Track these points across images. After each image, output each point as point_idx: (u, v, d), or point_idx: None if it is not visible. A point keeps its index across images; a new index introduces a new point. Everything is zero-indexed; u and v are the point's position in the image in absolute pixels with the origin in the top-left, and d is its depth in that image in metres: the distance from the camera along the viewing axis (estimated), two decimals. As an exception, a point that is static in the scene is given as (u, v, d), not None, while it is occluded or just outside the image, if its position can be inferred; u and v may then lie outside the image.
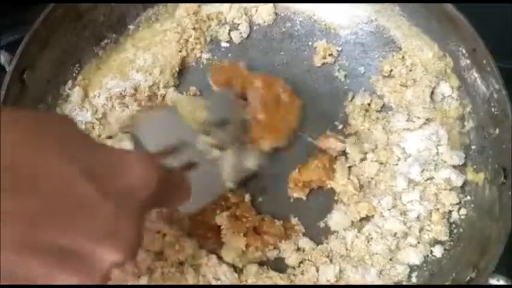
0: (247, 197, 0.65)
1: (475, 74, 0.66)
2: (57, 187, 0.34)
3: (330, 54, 0.73)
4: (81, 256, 0.35)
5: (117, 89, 0.68)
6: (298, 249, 0.64)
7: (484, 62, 0.63)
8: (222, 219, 0.63)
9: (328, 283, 0.62)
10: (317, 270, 0.62)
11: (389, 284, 0.62)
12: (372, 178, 0.66)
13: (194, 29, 0.72)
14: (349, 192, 0.65)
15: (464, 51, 0.66)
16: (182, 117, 0.62)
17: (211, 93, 0.68)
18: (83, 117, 0.67)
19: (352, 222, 0.65)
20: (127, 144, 0.65)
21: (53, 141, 0.36)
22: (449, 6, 0.65)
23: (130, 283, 0.60)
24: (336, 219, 0.65)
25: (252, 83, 0.66)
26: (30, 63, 0.62)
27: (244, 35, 0.74)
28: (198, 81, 0.71)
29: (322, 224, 0.66)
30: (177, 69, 0.70)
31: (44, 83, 0.66)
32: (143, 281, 0.59)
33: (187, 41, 0.71)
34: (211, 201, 0.63)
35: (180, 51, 0.71)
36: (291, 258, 0.63)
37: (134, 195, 0.38)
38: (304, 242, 0.64)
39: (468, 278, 0.58)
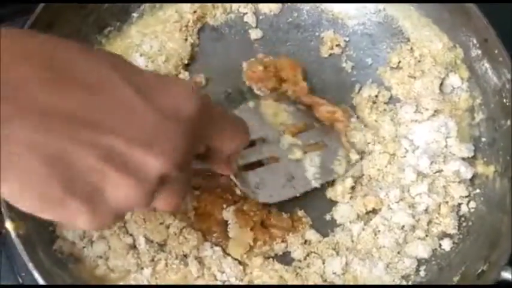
0: (253, 190, 0.64)
1: (486, 65, 0.65)
2: (106, 91, 0.35)
3: (337, 45, 0.71)
4: (130, 160, 0.36)
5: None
6: (305, 242, 0.63)
7: (496, 52, 0.62)
8: (228, 214, 0.62)
9: (334, 275, 0.61)
10: (323, 263, 0.61)
11: (397, 277, 0.61)
12: (379, 170, 0.65)
13: (194, 12, 0.70)
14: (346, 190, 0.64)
15: (475, 41, 0.65)
16: (264, 117, 0.63)
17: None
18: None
19: (359, 215, 0.64)
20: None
21: (103, 56, 0.38)
22: (461, -5, 0.64)
23: (132, 275, 0.59)
24: (342, 212, 0.64)
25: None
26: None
27: (253, 25, 0.73)
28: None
29: (328, 217, 0.65)
30: (186, 61, 0.69)
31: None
32: (146, 272, 0.58)
33: (187, 26, 0.70)
34: (292, 196, 0.63)
35: (186, 39, 0.69)
36: (297, 252, 0.62)
37: (178, 113, 0.38)
38: (311, 234, 0.63)
39: (480, 270, 0.57)
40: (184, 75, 0.69)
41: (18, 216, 0.54)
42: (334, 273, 0.61)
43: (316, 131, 0.65)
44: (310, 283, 0.60)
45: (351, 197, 0.64)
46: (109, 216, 0.37)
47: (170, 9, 0.71)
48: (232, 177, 0.60)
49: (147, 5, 0.71)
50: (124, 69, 0.37)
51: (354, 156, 0.65)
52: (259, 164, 0.62)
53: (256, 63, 0.68)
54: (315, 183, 0.63)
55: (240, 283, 0.60)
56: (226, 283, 0.59)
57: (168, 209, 0.42)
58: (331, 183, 0.65)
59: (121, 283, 0.58)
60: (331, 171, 0.64)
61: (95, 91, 0.35)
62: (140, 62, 0.67)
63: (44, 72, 0.34)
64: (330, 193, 0.65)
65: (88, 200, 0.36)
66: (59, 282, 0.55)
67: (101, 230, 0.45)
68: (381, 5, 0.72)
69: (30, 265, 0.52)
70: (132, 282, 0.58)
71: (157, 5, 0.71)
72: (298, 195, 0.63)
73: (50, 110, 0.33)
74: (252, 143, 0.61)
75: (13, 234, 0.53)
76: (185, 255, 0.60)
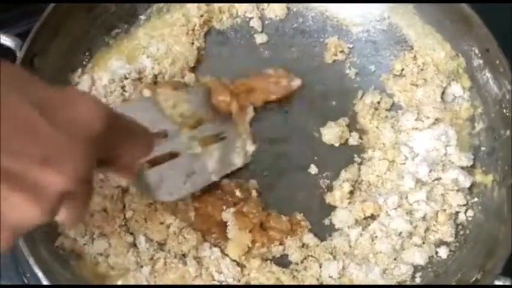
0: (253, 193, 0.65)
1: (488, 75, 0.65)
2: (6, 113, 0.35)
3: (341, 51, 0.72)
4: (29, 179, 0.36)
5: (122, 71, 0.68)
6: (303, 245, 0.63)
7: (497, 62, 0.63)
8: (228, 215, 0.63)
9: (330, 279, 0.61)
10: (320, 267, 0.62)
11: (393, 283, 0.61)
12: (378, 176, 0.66)
13: (201, 16, 0.71)
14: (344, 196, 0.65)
15: (477, 51, 0.66)
16: (163, 109, 0.61)
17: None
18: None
19: (357, 220, 0.64)
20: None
21: (3, 75, 0.36)
22: (464, 6, 0.64)
23: (132, 273, 0.60)
24: (340, 216, 0.65)
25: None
26: (41, 50, 0.63)
27: (258, 29, 0.74)
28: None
29: (327, 221, 0.65)
30: (192, 64, 0.70)
31: (54, 70, 0.66)
32: (145, 270, 0.59)
33: (193, 30, 0.71)
34: (193, 192, 0.62)
35: (193, 43, 0.71)
36: (295, 255, 0.62)
37: (81, 127, 0.38)
38: (309, 238, 0.63)
39: (474, 279, 0.58)
40: (189, 76, 0.70)
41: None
42: (330, 276, 0.61)
43: (214, 122, 0.64)
44: (306, 286, 0.61)
45: (350, 202, 0.65)
46: (9, 235, 0.37)
47: (177, 12, 0.72)
48: (129, 180, 0.59)
49: (154, 8, 0.72)
50: (25, 88, 0.37)
51: (251, 147, 0.66)
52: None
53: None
54: (215, 177, 0.63)
55: (238, 284, 0.60)
56: (223, 283, 0.60)
57: (70, 221, 0.42)
58: (330, 187, 0.66)
59: (120, 281, 0.59)
60: (230, 164, 0.65)
61: None
62: (147, 63, 0.69)
63: None
64: (328, 198, 0.66)
65: None
66: (60, 278, 0.56)
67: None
68: (385, 13, 0.73)
69: (31, 260, 0.53)
70: (132, 280, 0.59)
71: (165, 8, 0.72)
72: (198, 191, 0.63)
73: None
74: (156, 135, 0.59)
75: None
76: (184, 255, 0.61)
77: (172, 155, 0.60)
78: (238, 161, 0.65)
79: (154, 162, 0.58)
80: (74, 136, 0.37)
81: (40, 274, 0.53)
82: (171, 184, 0.59)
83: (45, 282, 0.53)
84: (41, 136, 0.36)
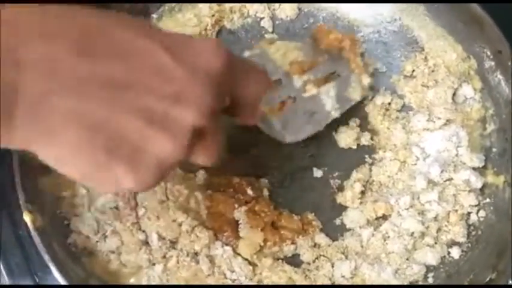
0: (265, 192, 0.65)
1: (500, 76, 0.66)
2: (138, 55, 0.38)
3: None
4: (164, 115, 0.38)
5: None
6: (315, 245, 0.63)
7: (509, 63, 0.63)
8: (240, 214, 0.63)
9: (343, 279, 0.61)
10: (332, 266, 0.62)
11: (405, 282, 0.61)
12: (390, 177, 0.66)
13: (213, 16, 0.72)
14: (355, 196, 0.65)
15: (489, 53, 0.66)
16: (274, 60, 0.61)
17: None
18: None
19: (368, 220, 0.64)
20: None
21: (124, 20, 0.40)
22: (477, 8, 0.64)
23: (144, 271, 0.59)
24: (352, 217, 0.65)
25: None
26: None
27: (269, 30, 0.74)
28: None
29: (338, 221, 0.65)
30: None
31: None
32: (158, 268, 0.59)
33: (206, 30, 0.71)
34: (316, 131, 0.63)
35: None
36: (307, 254, 0.62)
37: (204, 65, 0.40)
38: (321, 238, 0.63)
39: (488, 279, 0.58)
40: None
41: (36, 209, 0.55)
42: (342, 276, 0.61)
43: (325, 63, 0.64)
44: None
45: (361, 202, 0.65)
46: (152, 175, 0.39)
47: (189, 12, 0.72)
48: (259, 124, 0.60)
49: (166, 7, 0.72)
50: (153, 32, 0.40)
51: (366, 80, 0.66)
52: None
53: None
54: (335, 114, 0.64)
55: (250, 283, 0.60)
56: (236, 282, 0.60)
57: (207, 161, 0.44)
58: (341, 188, 0.66)
59: (133, 278, 0.59)
60: (348, 99, 0.65)
61: (128, 56, 0.37)
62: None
63: (77, 44, 0.36)
64: (339, 198, 0.66)
65: (131, 161, 0.38)
66: (72, 275, 0.56)
67: (146, 190, 0.48)
68: (396, 14, 0.73)
69: (47, 257, 0.53)
70: (144, 278, 0.59)
71: (177, 7, 0.72)
72: (322, 129, 0.64)
73: (86, 79, 0.36)
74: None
75: (31, 226, 0.54)
76: (196, 253, 0.61)
77: (290, 100, 0.61)
78: (355, 95, 0.65)
79: (280, 108, 0.60)
80: (198, 73, 0.40)
81: (54, 270, 0.53)
82: (295, 126, 0.61)
83: (59, 278, 0.53)
84: (169, 74, 0.38)
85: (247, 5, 0.74)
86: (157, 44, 0.39)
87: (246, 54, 0.62)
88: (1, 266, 0.61)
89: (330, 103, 0.63)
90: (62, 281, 0.53)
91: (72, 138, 0.36)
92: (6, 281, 0.61)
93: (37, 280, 0.61)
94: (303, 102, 0.61)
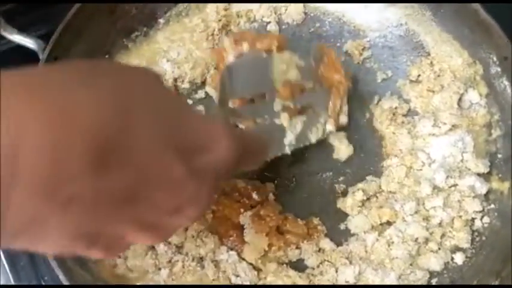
0: (270, 196, 0.65)
1: (505, 82, 0.66)
2: (146, 163, 0.32)
3: (360, 54, 0.72)
4: (154, 224, 0.37)
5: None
6: (319, 250, 0.64)
7: (516, 70, 0.63)
8: (245, 218, 0.63)
9: (346, 284, 0.62)
10: (336, 271, 0.62)
11: (409, 288, 0.62)
12: (398, 183, 0.66)
13: (219, 20, 0.72)
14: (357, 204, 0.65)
15: (495, 58, 0.66)
16: (272, 71, 0.61)
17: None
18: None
19: (373, 225, 0.65)
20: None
21: (140, 110, 0.33)
22: (483, 13, 0.64)
23: (150, 276, 0.60)
24: (356, 222, 0.65)
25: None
26: (63, 52, 0.63)
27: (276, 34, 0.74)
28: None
29: (342, 226, 0.66)
30: (213, 69, 0.70)
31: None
32: (164, 273, 0.60)
33: (213, 35, 0.72)
34: (266, 158, 0.61)
35: (213, 48, 0.71)
36: (311, 259, 0.63)
37: (218, 169, 0.38)
38: (325, 243, 0.64)
39: (492, 285, 0.58)
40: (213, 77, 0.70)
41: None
42: (346, 281, 0.62)
43: (312, 93, 0.64)
44: (323, 290, 0.61)
45: (365, 208, 0.65)
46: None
47: (196, 17, 0.72)
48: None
49: (173, 12, 0.73)
50: (165, 124, 0.34)
51: (329, 127, 0.65)
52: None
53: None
54: (288, 150, 0.63)
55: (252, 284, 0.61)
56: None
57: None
58: (345, 193, 0.66)
59: (139, 283, 0.60)
60: (305, 138, 0.64)
61: (136, 166, 0.32)
62: (167, 67, 0.69)
63: (89, 159, 0.29)
64: (340, 203, 0.66)
65: (107, 249, 0.36)
66: (80, 280, 0.57)
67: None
68: (402, 19, 0.73)
69: (54, 263, 0.53)
70: (150, 283, 0.60)
71: (183, 12, 0.73)
72: (268, 159, 0.63)
73: (91, 197, 0.31)
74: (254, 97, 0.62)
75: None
76: (201, 258, 0.62)
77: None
78: (313, 137, 0.64)
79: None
80: (206, 180, 0.37)
81: (61, 276, 0.54)
82: None
83: (65, 283, 0.54)
84: (178, 186, 0.35)
85: (254, 9, 0.74)
86: (172, 152, 0.34)
87: (249, 52, 0.62)
88: (8, 269, 0.62)
89: (289, 137, 0.63)
90: (62, 278, 0.54)
91: (59, 243, 0.33)
92: (12, 283, 0.62)
93: (43, 284, 0.63)
94: (267, 127, 0.61)
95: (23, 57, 0.66)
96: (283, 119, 0.61)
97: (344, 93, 0.65)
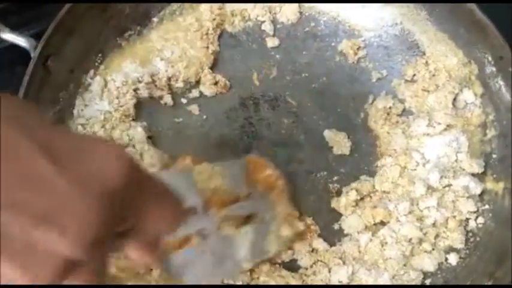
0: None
1: (500, 82, 0.65)
2: (14, 162, 0.29)
3: (355, 54, 0.72)
4: (30, 242, 0.29)
5: (135, 74, 0.68)
6: (312, 250, 0.63)
7: (510, 69, 0.62)
8: None
9: (340, 284, 0.61)
10: (329, 271, 0.62)
11: (402, 289, 0.62)
12: (392, 182, 0.66)
13: (214, 19, 0.72)
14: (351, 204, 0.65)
15: (490, 58, 0.66)
16: (195, 182, 0.54)
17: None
18: (101, 106, 0.67)
19: (366, 226, 0.64)
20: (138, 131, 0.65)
21: (10, 118, 0.30)
22: (478, 13, 0.64)
23: (141, 276, 0.60)
24: (350, 222, 0.64)
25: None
26: (55, 51, 0.63)
27: (270, 33, 0.74)
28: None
29: (336, 226, 0.65)
30: (207, 68, 0.70)
31: (67, 71, 0.66)
32: (155, 274, 0.59)
33: (207, 34, 0.71)
34: (223, 278, 0.59)
35: (208, 47, 0.71)
36: (304, 260, 0.62)
37: (96, 181, 0.31)
38: (318, 243, 0.63)
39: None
40: (207, 78, 0.70)
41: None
42: (340, 281, 0.61)
43: (249, 200, 0.58)
44: (316, 291, 0.61)
45: (359, 208, 0.65)
46: None
47: (190, 16, 0.72)
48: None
49: (167, 11, 0.72)
50: (39, 133, 0.31)
51: (286, 232, 0.60)
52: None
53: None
54: (246, 265, 0.58)
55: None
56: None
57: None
58: (339, 192, 0.66)
59: (130, 283, 0.59)
60: (263, 251, 0.59)
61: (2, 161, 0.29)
62: (160, 66, 0.69)
63: None
64: (334, 203, 0.66)
65: None
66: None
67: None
68: (398, 19, 0.73)
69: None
70: (141, 283, 0.59)
71: (177, 11, 0.72)
72: (229, 278, 0.59)
73: None
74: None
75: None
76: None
77: (201, 236, 0.53)
78: (272, 247, 0.59)
79: (181, 244, 0.53)
80: (85, 191, 0.30)
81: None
82: (198, 269, 0.53)
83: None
84: (47, 188, 0.29)
85: (249, 8, 0.74)
86: (37, 146, 0.30)
87: (167, 171, 0.57)
88: None
89: (243, 251, 0.56)
90: None
91: None
92: None
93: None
94: (214, 243, 0.54)
95: (15, 57, 0.66)
96: (225, 229, 0.55)
97: (285, 195, 0.61)
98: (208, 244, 0.53)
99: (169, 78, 0.69)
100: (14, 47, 0.63)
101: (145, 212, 0.36)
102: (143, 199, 0.35)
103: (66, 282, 0.32)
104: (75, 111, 0.66)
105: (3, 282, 0.30)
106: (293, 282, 0.61)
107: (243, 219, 0.57)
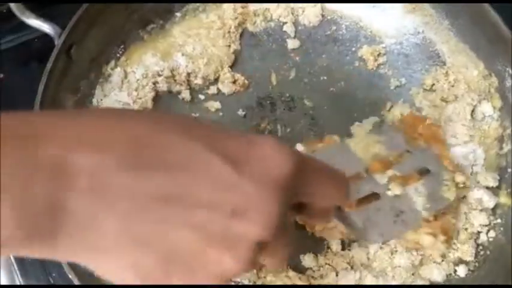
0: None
1: (520, 96, 0.65)
2: (193, 166, 0.34)
3: (375, 60, 0.72)
4: (222, 232, 0.34)
5: (155, 68, 0.68)
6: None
7: (530, 84, 0.62)
8: None
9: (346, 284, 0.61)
10: (337, 275, 0.62)
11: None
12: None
13: (236, 18, 0.72)
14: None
15: (511, 71, 0.65)
16: (354, 153, 0.57)
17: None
18: (120, 97, 0.67)
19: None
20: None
21: (177, 124, 0.36)
22: (502, 26, 0.64)
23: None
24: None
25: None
26: (78, 39, 0.63)
27: (291, 35, 0.74)
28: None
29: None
30: (227, 67, 0.71)
31: (89, 61, 0.67)
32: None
33: (229, 32, 0.72)
34: (405, 232, 0.59)
35: (229, 46, 0.71)
36: (312, 262, 0.62)
37: (270, 176, 0.36)
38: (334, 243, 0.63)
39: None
40: (226, 76, 0.70)
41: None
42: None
43: (413, 157, 0.59)
44: (322, 294, 0.61)
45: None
46: (217, 282, 0.37)
47: (212, 13, 0.72)
48: (336, 219, 0.54)
49: (190, 6, 0.73)
50: (208, 138, 0.36)
51: (461, 178, 0.62)
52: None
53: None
54: (426, 214, 0.57)
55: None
56: (239, 284, 0.60)
57: (275, 267, 0.43)
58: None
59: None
60: (441, 198, 0.59)
61: (181, 168, 0.34)
62: (181, 61, 0.69)
63: (126, 158, 0.33)
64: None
65: (186, 279, 0.36)
66: (81, 271, 0.56)
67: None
68: (420, 27, 0.72)
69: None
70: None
71: (200, 7, 0.73)
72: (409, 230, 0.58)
73: (136, 196, 0.33)
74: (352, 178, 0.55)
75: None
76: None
77: (374, 197, 0.55)
78: (449, 194, 0.59)
79: (359, 204, 0.54)
80: (263, 185, 0.35)
81: (65, 266, 0.54)
82: (380, 225, 0.54)
83: (68, 273, 0.54)
84: (232, 189, 0.34)
85: (271, 9, 0.74)
86: (215, 153, 0.35)
87: (319, 148, 0.60)
88: (15, 266, 0.63)
89: (420, 202, 0.57)
90: (71, 277, 0.54)
91: (123, 257, 0.34)
92: (20, 281, 0.62)
93: (51, 281, 0.63)
94: (389, 200, 0.55)
95: (24, 56, 0.67)
96: (395, 188, 0.56)
97: (446, 145, 0.62)
98: (383, 202, 0.55)
99: (188, 74, 0.70)
100: (23, 47, 0.64)
101: (314, 191, 0.41)
102: (310, 180, 0.40)
103: (259, 263, 0.39)
104: (94, 101, 0.67)
105: (214, 268, 0.35)
106: (299, 284, 0.61)
107: (412, 175, 0.58)
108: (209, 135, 0.36)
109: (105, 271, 0.35)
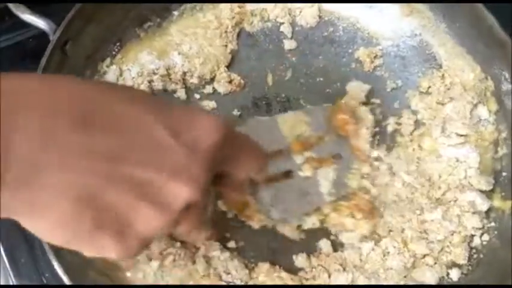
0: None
1: (515, 100, 0.65)
2: (137, 131, 0.38)
3: (371, 62, 0.72)
4: (157, 189, 0.38)
5: (151, 66, 0.68)
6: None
7: (526, 89, 0.62)
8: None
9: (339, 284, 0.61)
10: (329, 277, 0.62)
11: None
12: (396, 195, 0.65)
13: (233, 18, 0.72)
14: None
15: (507, 75, 0.65)
16: (280, 130, 0.62)
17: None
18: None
19: (366, 236, 0.64)
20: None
21: (128, 95, 0.40)
22: (499, 30, 0.63)
23: (140, 266, 0.60)
24: (347, 233, 0.64)
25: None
26: (73, 36, 0.63)
27: (288, 35, 0.74)
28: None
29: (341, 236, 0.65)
30: (223, 66, 0.71)
31: (84, 57, 0.67)
32: (154, 264, 0.59)
33: (226, 32, 0.72)
34: (306, 212, 0.62)
35: (226, 46, 0.71)
36: (305, 262, 0.62)
37: (202, 144, 0.41)
38: (323, 243, 0.63)
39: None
40: (222, 76, 0.70)
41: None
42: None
43: (330, 142, 0.64)
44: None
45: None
46: (136, 246, 0.40)
47: (209, 12, 0.72)
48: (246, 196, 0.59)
49: (188, 5, 0.73)
50: (154, 108, 0.40)
51: (366, 169, 0.65)
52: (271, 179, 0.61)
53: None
54: (329, 198, 0.62)
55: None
56: (230, 284, 0.60)
57: (188, 235, 0.46)
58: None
59: (129, 272, 0.60)
60: (345, 185, 0.63)
61: (127, 132, 0.38)
62: (177, 60, 0.69)
63: (76, 119, 0.36)
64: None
65: (117, 234, 0.39)
66: (71, 265, 0.56)
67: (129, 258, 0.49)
68: (417, 30, 0.72)
69: (47, 246, 0.53)
70: (140, 273, 0.59)
71: (198, 6, 0.73)
72: (311, 210, 0.63)
73: (81, 152, 0.35)
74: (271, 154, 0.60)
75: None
76: (194, 253, 0.61)
77: (287, 175, 0.61)
78: (353, 183, 0.64)
79: (269, 181, 0.59)
80: (196, 150, 0.40)
81: (52, 257, 0.54)
82: (286, 202, 0.60)
83: (57, 269, 0.54)
84: (168, 152, 0.39)
85: (268, 9, 0.74)
86: (159, 121, 0.39)
87: (255, 119, 0.63)
88: (8, 266, 0.63)
89: (326, 186, 0.62)
90: (63, 277, 0.54)
91: (60, 211, 0.36)
92: (13, 281, 0.62)
93: (44, 281, 0.63)
94: (298, 180, 0.61)
95: (19, 55, 0.66)
96: (306, 170, 0.61)
97: (365, 137, 0.65)
98: (293, 181, 0.60)
99: (184, 73, 0.69)
100: (20, 45, 0.64)
101: (236, 160, 0.47)
102: (234, 150, 0.46)
103: (181, 227, 0.44)
104: (88, 98, 0.67)
105: (143, 223, 0.39)
106: (291, 284, 0.61)
107: (324, 159, 0.62)
108: (155, 106, 0.40)
109: (36, 229, 0.37)
